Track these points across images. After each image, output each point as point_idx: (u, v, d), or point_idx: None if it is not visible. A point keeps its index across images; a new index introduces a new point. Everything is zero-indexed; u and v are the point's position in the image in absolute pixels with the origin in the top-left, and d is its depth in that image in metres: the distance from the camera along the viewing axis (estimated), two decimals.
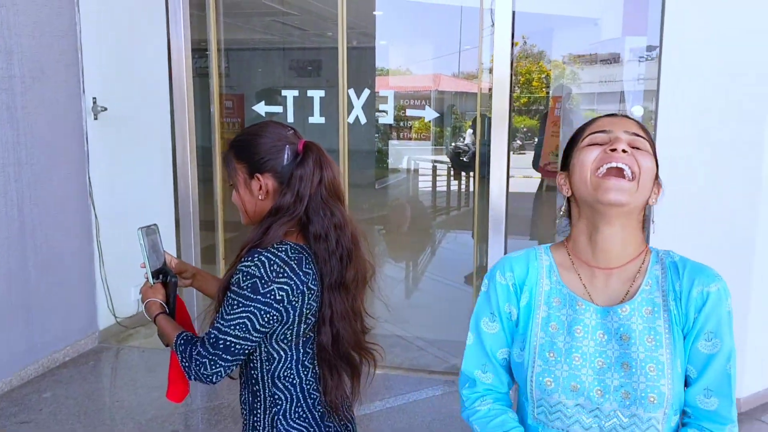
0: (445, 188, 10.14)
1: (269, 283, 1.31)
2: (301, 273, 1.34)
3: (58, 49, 3.91)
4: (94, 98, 4.22)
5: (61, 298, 4.02)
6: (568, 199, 1.22)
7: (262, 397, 1.41)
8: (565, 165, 1.22)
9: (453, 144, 11.33)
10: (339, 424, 1.47)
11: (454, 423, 3.30)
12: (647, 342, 1.13)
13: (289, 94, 3.85)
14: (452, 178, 10.05)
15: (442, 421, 3.34)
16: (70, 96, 4.04)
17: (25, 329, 3.75)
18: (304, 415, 1.41)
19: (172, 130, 5.07)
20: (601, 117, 1.20)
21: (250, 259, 1.32)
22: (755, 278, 3.26)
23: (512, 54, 3.49)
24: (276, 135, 1.42)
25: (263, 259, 1.32)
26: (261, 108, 3.96)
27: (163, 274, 1.58)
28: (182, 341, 1.40)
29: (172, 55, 3.74)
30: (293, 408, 1.40)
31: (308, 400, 1.42)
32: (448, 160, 10.19)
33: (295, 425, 1.40)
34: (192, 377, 1.38)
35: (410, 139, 11.50)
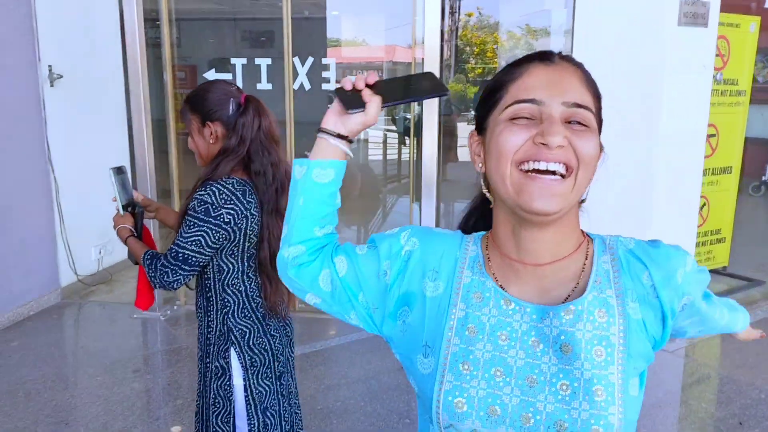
0: (396, 157, 10.49)
1: (219, 209, 1.65)
2: (245, 201, 1.69)
3: (13, 17, 4.08)
4: (50, 66, 4.41)
5: (23, 256, 4.26)
6: (485, 176, 0.93)
7: (214, 301, 1.76)
8: (480, 127, 0.94)
9: (404, 114, 11.70)
10: (278, 323, 1.84)
11: (386, 356, 3.72)
12: (595, 356, 0.86)
13: (238, 62, 4.12)
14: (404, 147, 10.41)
15: (377, 353, 3.75)
16: (27, 63, 4.23)
17: None
18: (249, 315, 1.77)
19: (127, 98, 5.28)
20: (531, 65, 0.89)
21: (203, 189, 1.66)
22: (654, 222, 3.74)
23: (443, 25, 3.82)
24: (222, 90, 1.76)
25: (214, 189, 1.66)
26: (211, 75, 4.22)
27: (132, 206, 1.90)
28: (149, 257, 1.74)
29: (125, 25, 3.95)
30: (240, 309, 1.76)
31: (252, 303, 1.77)
32: (398, 129, 10.51)
33: (241, 322, 1.76)
34: (157, 285, 1.72)
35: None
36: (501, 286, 0.93)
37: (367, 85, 0.94)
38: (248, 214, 1.70)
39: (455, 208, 8.04)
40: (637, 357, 0.88)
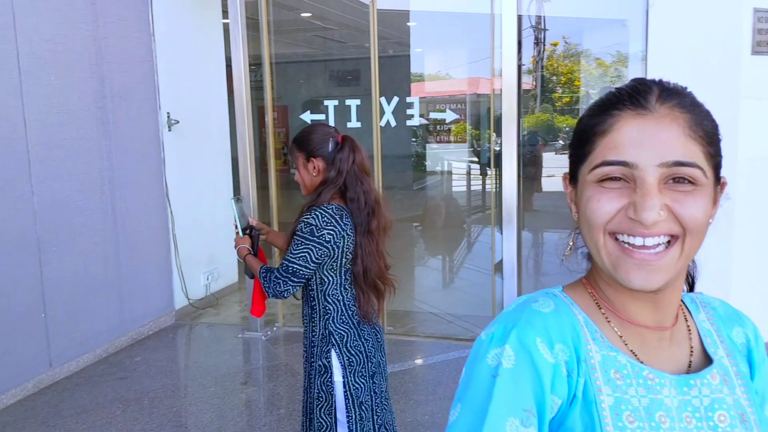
0: (481, 188, 10.64)
1: (321, 230, 1.97)
2: (342, 223, 2.00)
3: (139, 72, 4.70)
4: (168, 113, 5.00)
5: (145, 281, 4.79)
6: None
7: (317, 308, 2.07)
8: (572, 175, 0.83)
9: (487, 145, 11.84)
10: (370, 329, 2.12)
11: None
12: (744, 422, 0.78)
13: (330, 104, 4.53)
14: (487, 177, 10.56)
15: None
16: (149, 111, 4.82)
17: (117, 306, 4.52)
18: (347, 321, 2.06)
19: (232, 138, 5.84)
20: (622, 115, 0.76)
21: (308, 213, 1.99)
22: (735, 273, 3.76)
23: (519, 57, 4.06)
24: (323, 131, 2.09)
25: (317, 213, 1.98)
26: (307, 116, 4.65)
27: (249, 229, 2.26)
28: (264, 270, 2.07)
29: (232, 70, 4.46)
30: (338, 316, 2.05)
31: (348, 311, 2.07)
32: (481, 160, 10.69)
33: (340, 327, 2.05)
34: (270, 294, 2.05)
35: (449, 142, 12.05)
36: (636, 358, 0.79)
37: None
38: (345, 234, 2.01)
39: (543, 238, 8.13)
40: (763, 422, 0.81)
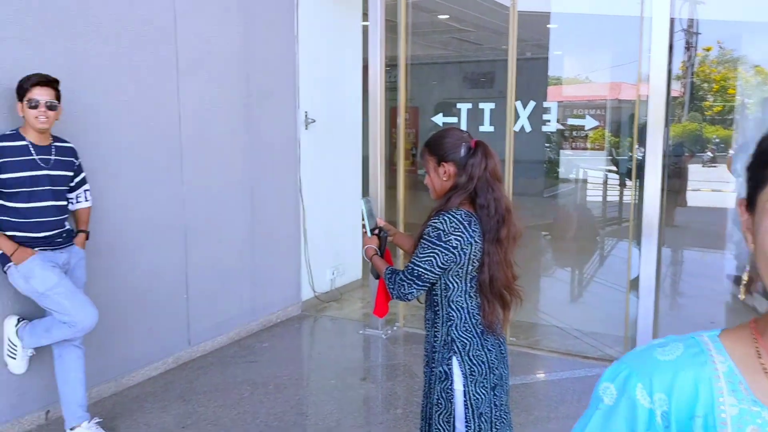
0: (617, 199, 10.11)
1: (449, 235, 1.94)
2: (470, 230, 1.96)
3: (282, 73, 4.93)
4: (306, 112, 5.20)
5: (276, 271, 5.03)
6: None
7: (441, 314, 2.05)
8: (750, 200, 0.75)
9: (629, 154, 11.16)
10: (494, 340, 2.06)
11: None
12: None
13: (463, 107, 4.49)
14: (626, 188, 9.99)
15: (589, 393, 3.74)
16: (289, 110, 5.05)
17: (250, 293, 4.78)
18: (470, 329, 2.02)
19: (363, 138, 5.97)
20: None
21: (437, 218, 1.97)
22: None
23: (670, 62, 3.79)
24: (456, 136, 2.06)
25: (445, 218, 1.96)
26: (439, 119, 4.64)
27: (377, 230, 2.29)
28: (389, 272, 2.09)
29: (369, 71, 4.55)
30: (462, 323, 2.02)
31: (472, 319, 2.02)
32: (620, 170, 10.15)
33: (463, 335, 2.01)
34: (394, 296, 2.06)
35: (584, 149, 11.55)
36: None
37: None
38: (473, 241, 1.97)
39: (683, 256, 7.57)
40: None
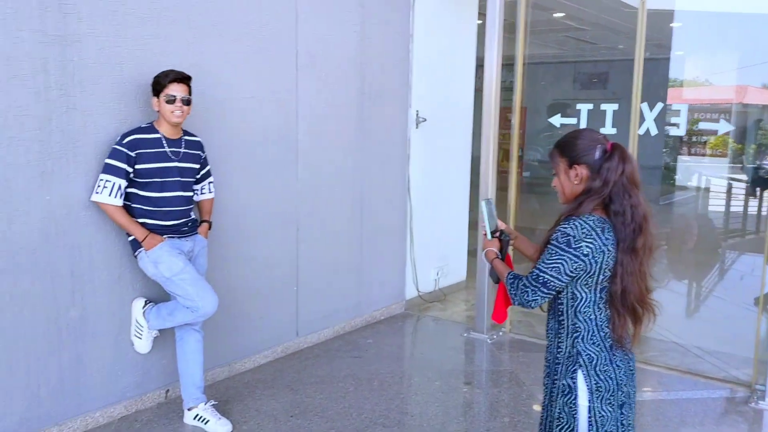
0: (742, 209, 9.41)
1: (579, 241, 1.84)
2: (603, 237, 1.85)
3: (396, 72, 4.94)
4: (417, 111, 5.18)
5: (382, 268, 5.05)
6: None
7: (566, 325, 1.95)
8: None
9: (757, 162, 10.36)
10: (623, 355, 1.94)
11: (725, 423, 3.43)
12: None
13: (584, 108, 4.30)
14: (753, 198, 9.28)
15: (716, 420, 3.48)
16: (400, 109, 5.05)
17: (356, 288, 4.83)
18: (598, 343, 1.91)
19: (473, 138, 5.88)
20: None
21: (566, 223, 1.88)
22: None
23: None
24: (590, 137, 1.96)
25: (576, 224, 1.86)
26: (556, 120, 4.48)
27: (498, 233, 2.22)
28: (512, 277, 2.01)
29: (484, 71, 4.46)
30: (589, 336, 1.91)
31: (600, 332, 1.91)
32: (747, 178, 9.45)
33: (590, 348, 1.91)
34: (516, 303, 1.98)
35: (702, 155, 10.82)
36: None
37: None
38: (605, 249, 1.86)
39: None
40: None
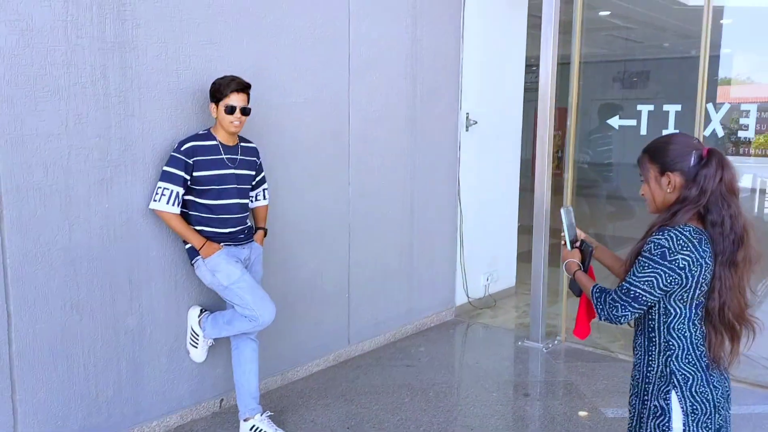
0: None
1: (675, 254, 1.72)
2: (700, 249, 1.73)
3: (446, 73, 4.84)
4: (467, 113, 5.08)
5: (432, 274, 4.95)
6: None
7: (657, 342, 1.83)
8: None
9: None
10: (719, 376, 1.81)
11: None
12: None
13: (644, 109, 4.14)
14: None
15: None
16: (451, 112, 4.95)
17: (407, 295, 4.74)
18: (693, 362, 1.79)
19: (524, 141, 5.75)
20: None
21: (660, 234, 1.76)
22: None
23: None
24: (684, 143, 1.83)
25: (671, 234, 1.74)
26: (614, 121, 4.33)
27: (578, 243, 2.10)
28: (598, 290, 1.90)
29: (540, 71, 4.34)
30: (683, 355, 1.79)
31: (696, 351, 1.79)
32: None
33: (685, 368, 1.79)
34: (602, 318, 1.87)
35: (747, 155, 10.44)
36: None
37: None
38: (703, 262, 1.74)
39: None
40: None
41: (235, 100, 3.02)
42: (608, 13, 8.71)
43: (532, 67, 5.46)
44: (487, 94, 5.28)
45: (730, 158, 1.82)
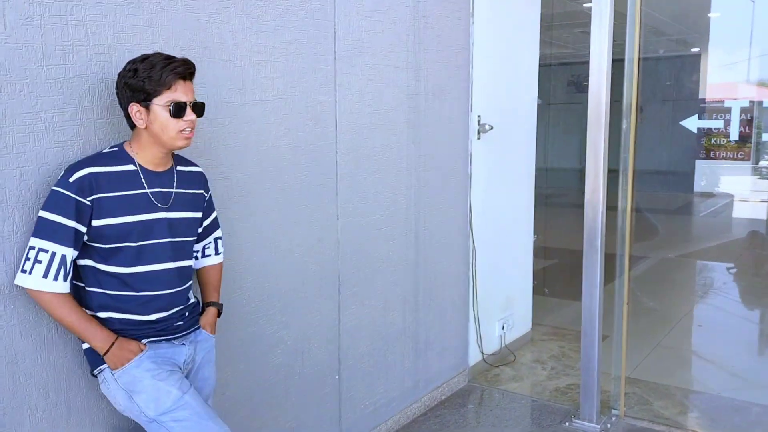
0: None
1: None
2: None
3: (455, 64, 3.66)
4: (479, 116, 3.91)
5: (441, 329, 3.75)
6: None
7: None
8: None
9: None
10: None
11: None
12: None
13: (735, 105, 3.06)
14: None
15: None
16: (460, 114, 3.77)
17: (412, 363, 3.52)
18: None
19: (539, 151, 4.63)
20: None
21: None
22: None
23: None
24: None
25: None
26: (692, 122, 3.24)
27: None
28: None
29: (591, 66, 3.21)
30: None
31: None
32: None
33: None
34: None
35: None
36: None
37: None
38: None
39: None
40: None
41: (182, 92, 1.75)
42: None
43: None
44: (501, 94, 4.14)
45: None
